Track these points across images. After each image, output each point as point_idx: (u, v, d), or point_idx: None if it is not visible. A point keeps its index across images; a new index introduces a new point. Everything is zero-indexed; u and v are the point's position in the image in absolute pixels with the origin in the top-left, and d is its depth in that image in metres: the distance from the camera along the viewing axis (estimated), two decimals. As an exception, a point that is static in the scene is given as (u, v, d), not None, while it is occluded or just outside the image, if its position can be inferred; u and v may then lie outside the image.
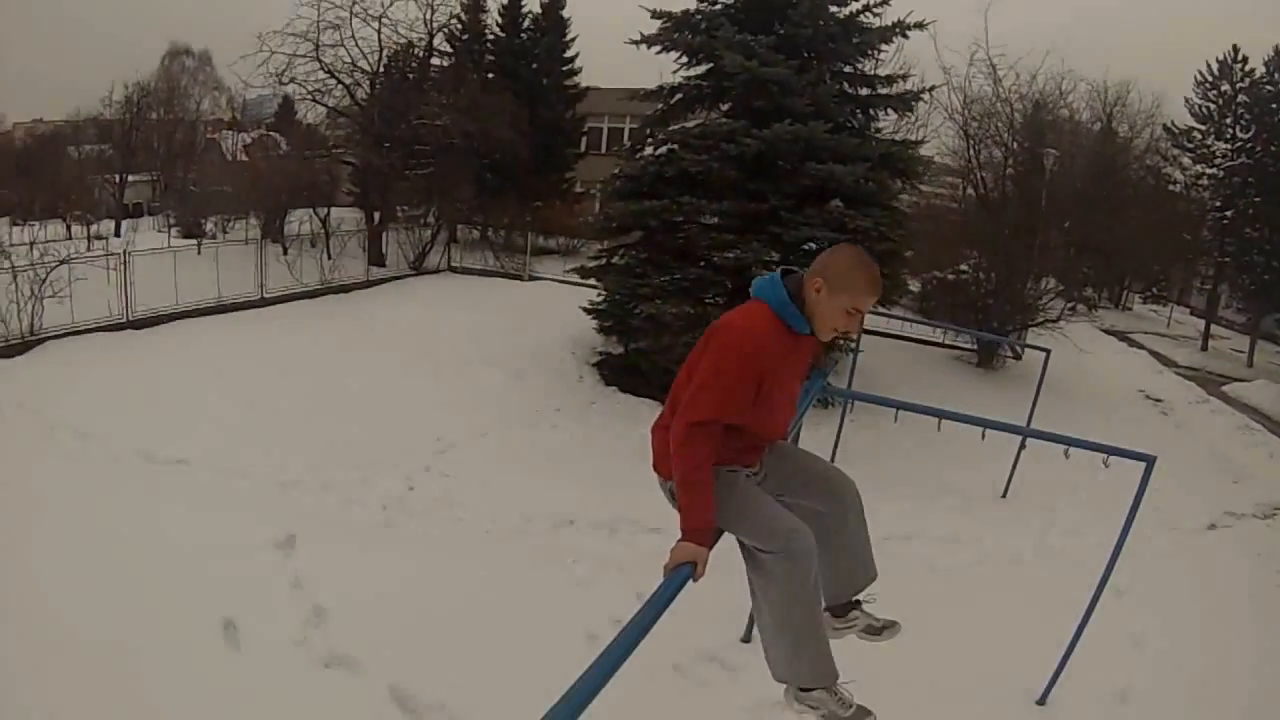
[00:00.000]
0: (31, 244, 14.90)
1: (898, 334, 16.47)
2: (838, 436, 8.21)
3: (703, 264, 11.26)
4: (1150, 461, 4.72)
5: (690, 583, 2.33)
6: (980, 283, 16.71)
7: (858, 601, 2.75)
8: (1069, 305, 16.84)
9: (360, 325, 14.19)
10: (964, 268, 17.26)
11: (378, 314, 14.99)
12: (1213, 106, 27.73)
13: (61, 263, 13.68)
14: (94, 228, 28.18)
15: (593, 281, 12.82)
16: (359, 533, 7.27)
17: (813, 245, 10.66)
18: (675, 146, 11.80)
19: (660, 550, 5.50)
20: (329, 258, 17.72)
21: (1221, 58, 27.54)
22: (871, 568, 2.74)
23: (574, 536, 7.54)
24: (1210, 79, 27.88)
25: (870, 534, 2.72)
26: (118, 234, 27.81)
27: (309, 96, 19.62)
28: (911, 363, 15.38)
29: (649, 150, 12.87)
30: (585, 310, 12.73)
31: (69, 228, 28.38)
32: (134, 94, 34.13)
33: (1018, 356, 16.37)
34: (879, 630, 2.75)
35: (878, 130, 13.51)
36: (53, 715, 4.39)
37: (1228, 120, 27.09)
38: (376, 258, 19.01)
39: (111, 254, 14.54)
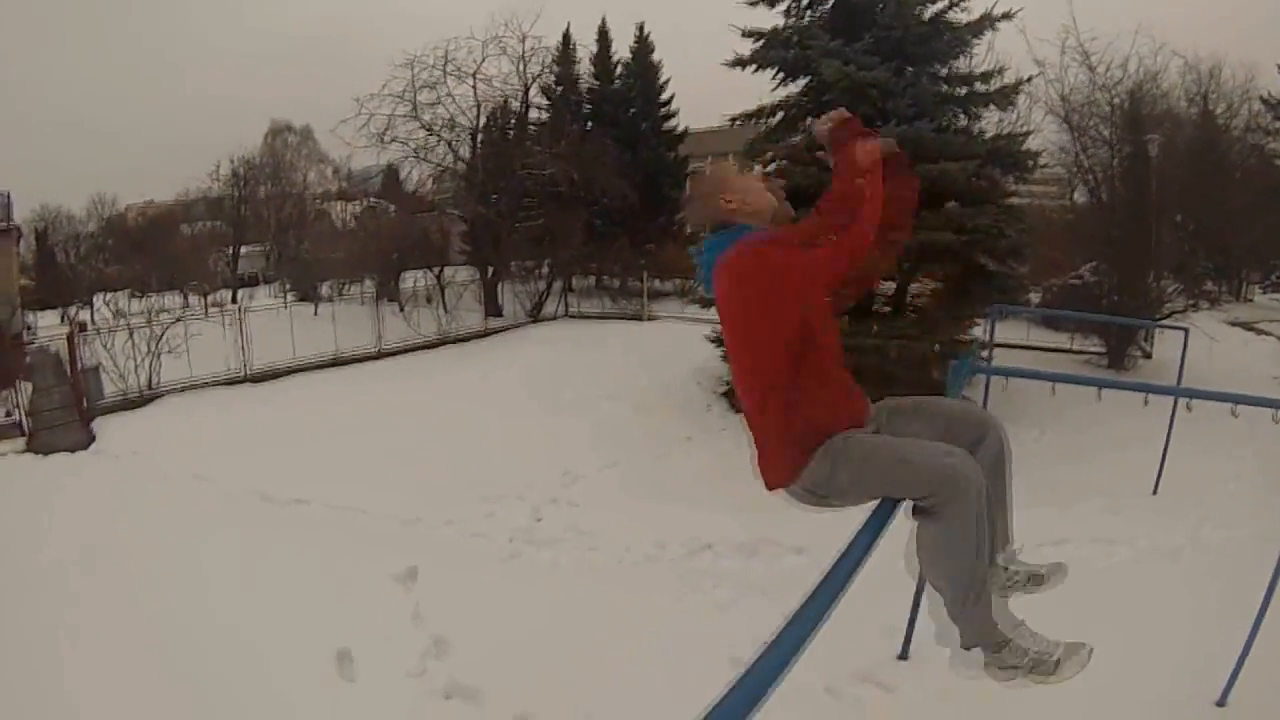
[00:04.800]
0: (148, 311, 15.62)
1: (1022, 344, 15.97)
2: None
3: None
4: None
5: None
6: (1100, 285, 16.17)
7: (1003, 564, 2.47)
8: (1190, 302, 16.13)
9: (479, 371, 14.39)
10: (1082, 272, 16.74)
11: (497, 359, 15.21)
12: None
13: (177, 320, 14.46)
14: (210, 297, 29.05)
15: (713, 312, 12.80)
16: (483, 564, 7.23)
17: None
18: (786, 161, 11.79)
19: (804, 571, 5.10)
20: (445, 311, 18.12)
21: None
22: (1009, 526, 2.50)
23: (712, 561, 7.31)
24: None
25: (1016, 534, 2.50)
26: (233, 301, 28.44)
27: (412, 154, 20.37)
28: (1043, 365, 14.80)
29: (757, 170, 12.71)
30: (709, 339, 12.76)
31: (186, 297, 29.30)
32: (240, 168, 35.62)
33: (1148, 355, 15.73)
34: (1043, 577, 2.48)
35: (981, 131, 13.31)
36: None
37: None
38: (493, 309, 19.45)
39: (227, 311, 15.34)
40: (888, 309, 12.07)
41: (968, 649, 2.34)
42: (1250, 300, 31.72)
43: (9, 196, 20.80)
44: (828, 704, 4.37)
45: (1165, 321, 14.72)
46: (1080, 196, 18.99)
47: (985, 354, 10.25)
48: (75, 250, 40.57)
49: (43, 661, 5.67)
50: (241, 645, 5.48)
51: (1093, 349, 16.07)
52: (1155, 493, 8.93)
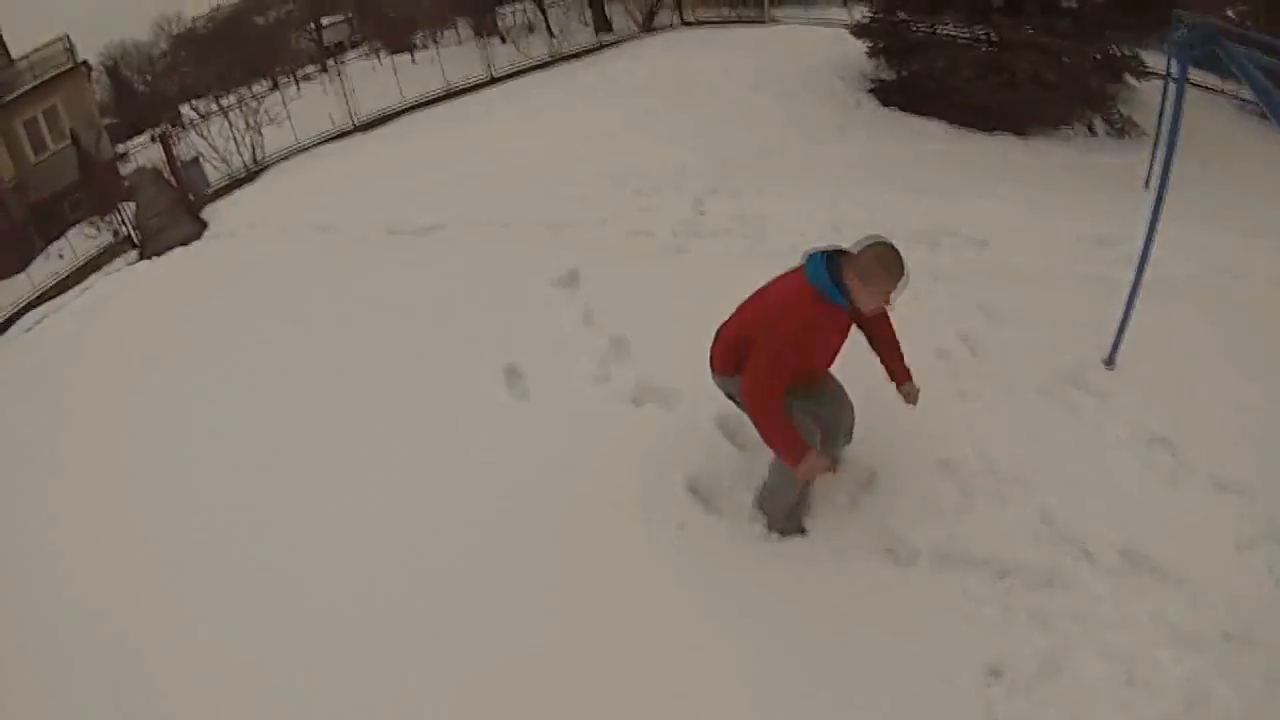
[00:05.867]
0: (239, 98, 15.39)
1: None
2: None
3: None
4: None
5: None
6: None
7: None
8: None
9: (602, 78, 13.64)
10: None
11: (619, 66, 14.41)
12: None
13: (274, 88, 14.21)
14: (300, 73, 28.42)
15: (846, 17, 11.66)
16: (649, 260, 6.48)
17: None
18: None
19: (986, 265, 5.66)
20: (551, 35, 17.27)
21: None
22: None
23: None
24: None
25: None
26: (324, 70, 28.18)
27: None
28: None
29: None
30: (852, 32, 11.59)
31: (274, 81, 28.30)
32: (306, -58, 34.14)
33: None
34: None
35: None
36: (366, 480, 4.29)
37: None
38: (603, 25, 18.29)
39: (322, 69, 15.22)
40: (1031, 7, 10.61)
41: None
42: None
43: (69, 39, 20.65)
44: (1041, 404, 3.92)
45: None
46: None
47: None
48: (150, 73, 40.36)
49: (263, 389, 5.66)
50: (407, 376, 5.17)
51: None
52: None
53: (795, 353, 2.98)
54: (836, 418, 3.40)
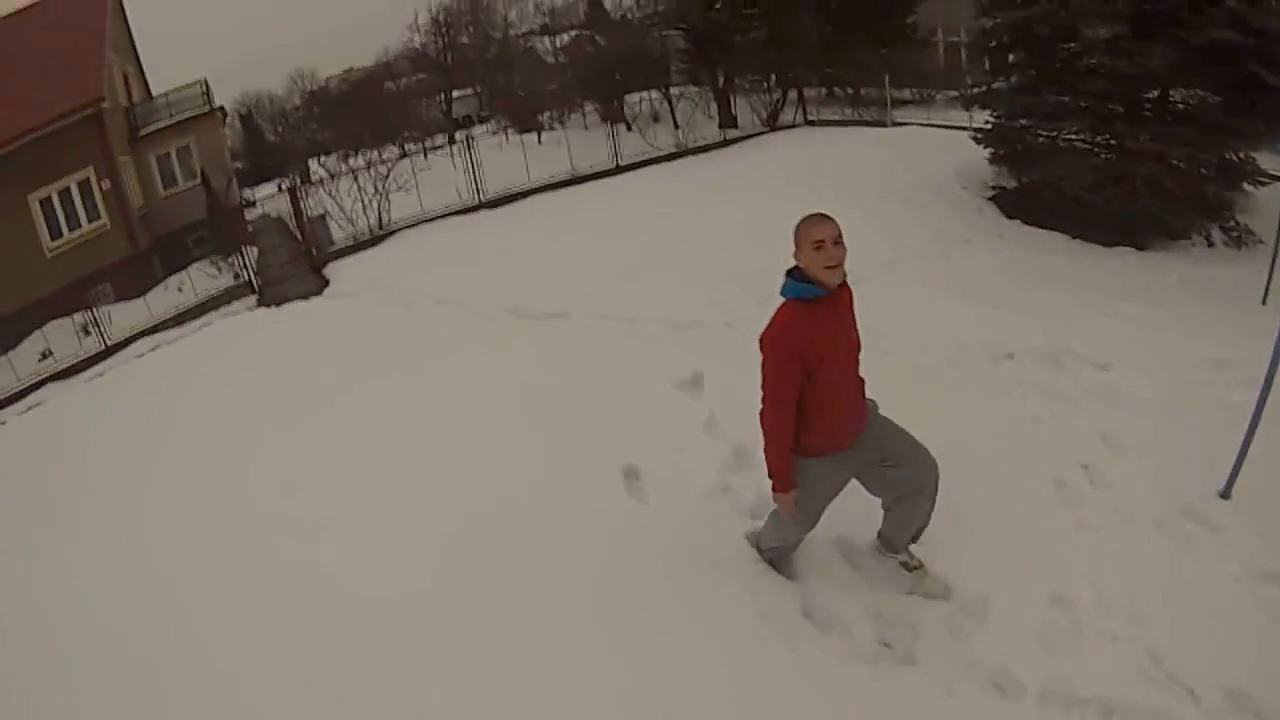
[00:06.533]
0: (369, 161, 15.56)
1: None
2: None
3: (1100, 77, 10.05)
4: None
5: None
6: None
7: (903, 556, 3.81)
8: None
9: (729, 173, 13.73)
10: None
11: (745, 161, 14.53)
12: None
13: (403, 156, 14.38)
14: (428, 141, 29.28)
15: (964, 119, 11.89)
16: None
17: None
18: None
19: (1106, 388, 5.58)
20: (677, 126, 17.63)
21: None
22: (918, 533, 3.72)
23: (1017, 369, 6.31)
24: None
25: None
26: (452, 142, 29.19)
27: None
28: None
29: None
30: (974, 138, 11.85)
31: (402, 147, 29.98)
32: (440, 15, 36.08)
33: None
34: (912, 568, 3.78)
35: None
36: (440, 568, 4.30)
37: None
38: (728, 120, 18.80)
39: (454, 142, 15.25)
40: (1150, 114, 10.72)
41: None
42: None
43: (206, 83, 22.06)
44: (1156, 537, 3.98)
45: None
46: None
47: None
48: (282, 125, 42.61)
49: (359, 453, 5.86)
50: (523, 464, 5.16)
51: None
52: None
53: (800, 363, 3.11)
54: (908, 480, 3.50)
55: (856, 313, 3.39)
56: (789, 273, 3.17)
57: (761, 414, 3.25)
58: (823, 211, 3.09)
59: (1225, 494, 4.18)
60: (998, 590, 3.52)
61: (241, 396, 8.03)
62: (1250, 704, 3.02)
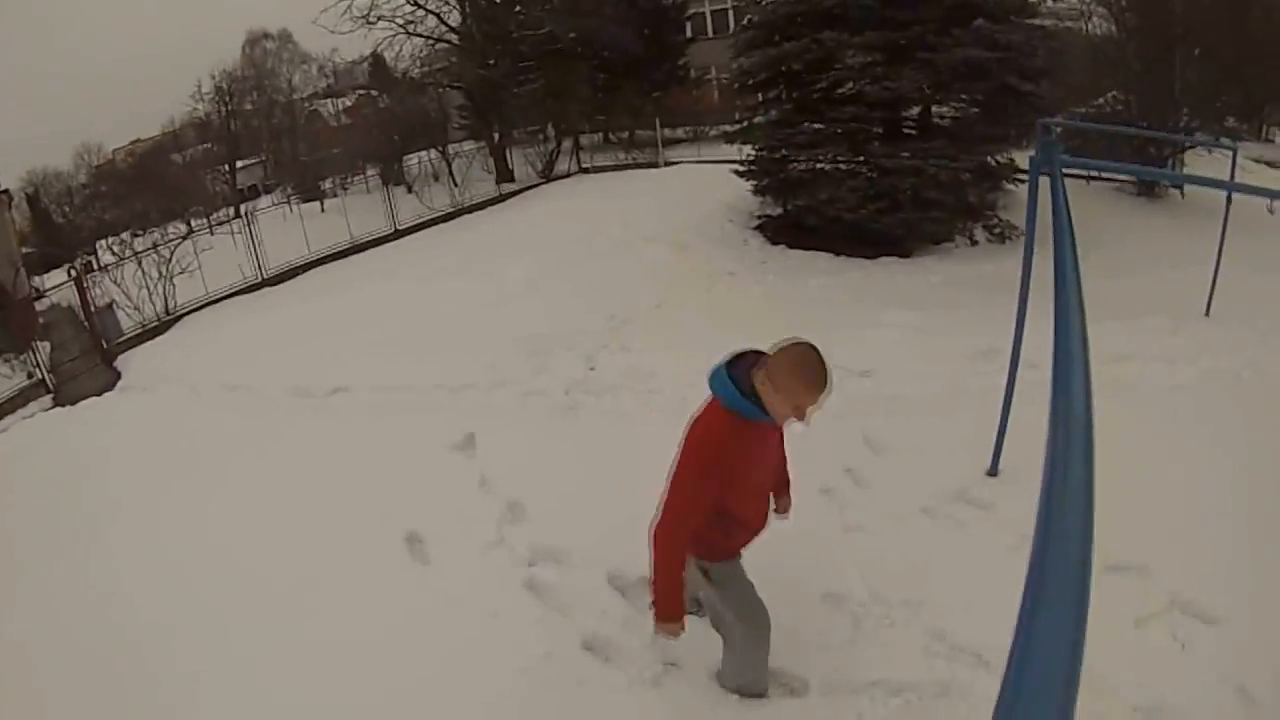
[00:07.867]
0: (154, 243, 15.13)
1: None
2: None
3: (854, 104, 10.74)
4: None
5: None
6: (1119, 116, 15.52)
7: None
8: (1212, 138, 15.50)
9: (503, 231, 13.96)
10: (1101, 100, 16.10)
11: (518, 218, 14.80)
12: None
13: (184, 238, 13.94)
14: (214, 216, 28.11)
15: (734, 152, 12.43)
16: (542, 420, 6.69)
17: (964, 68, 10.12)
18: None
19: (873, 394, 5.72)
20: (455, 184, 17.72)
21: None
22: None
23: None
24: None
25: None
26: (236, 215, 28.12)
27: (401, 30, 19.40)
28: (1074, 197, 14.26)
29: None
30: (736, 173, 12.36)
31: (188, 222, 28.20)
32: (222, 83, 34.59)
33: (1179, 189, 15.20)
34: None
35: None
36: (245, 660, 4.11)
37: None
38: (504, 175, 18.94)
39: (234, 219, 15.12)
40: (913, 131, 11.60)
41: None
42: (1271, 140, 31.08)
43: None
44: (928, 524, 4.20)
45: (1200, 145, 14.19)
46: (1098, 26, 18.26)
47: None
48: (69, 204, 39.96)
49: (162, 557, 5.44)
50: (308, 547, 5.11)
51: (1121, 177, 15.53)
52: (1208, 314, 8.45)
53: (713, 485, 2.67)
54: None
55: None
56: (733, 378, 2.66)
57: (658, 528, 2.70)
58: (825, 366, 2.57)
59: (993, 471, 4.44)
60: (771, 599, 3.35)
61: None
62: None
